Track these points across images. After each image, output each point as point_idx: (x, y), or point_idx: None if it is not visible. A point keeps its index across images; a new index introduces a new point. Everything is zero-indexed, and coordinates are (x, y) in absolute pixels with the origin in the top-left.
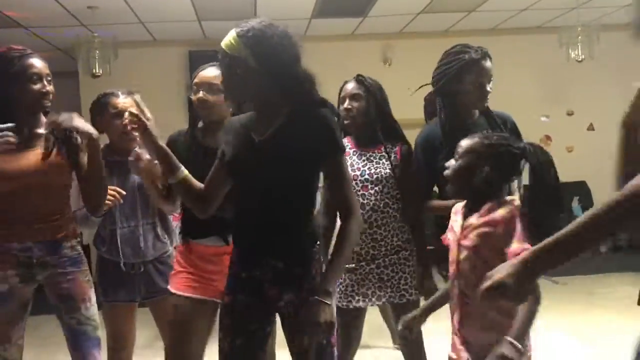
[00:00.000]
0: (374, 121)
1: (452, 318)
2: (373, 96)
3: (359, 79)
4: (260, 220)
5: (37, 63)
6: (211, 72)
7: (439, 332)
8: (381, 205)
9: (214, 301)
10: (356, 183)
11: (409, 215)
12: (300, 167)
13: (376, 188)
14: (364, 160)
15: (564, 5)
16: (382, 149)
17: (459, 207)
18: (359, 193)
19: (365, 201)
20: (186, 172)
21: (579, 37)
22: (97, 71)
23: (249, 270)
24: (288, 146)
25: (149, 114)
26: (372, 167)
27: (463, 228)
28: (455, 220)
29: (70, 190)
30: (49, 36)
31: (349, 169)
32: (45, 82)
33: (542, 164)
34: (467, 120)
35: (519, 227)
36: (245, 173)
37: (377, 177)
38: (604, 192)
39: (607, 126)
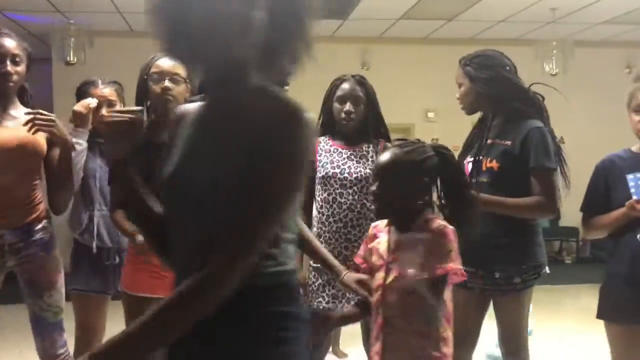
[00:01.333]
0: (368, 123)
1: (370, 349)
2: (371, 99)
3: (360, 81)
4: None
5: (5, 42)
6: (170, 62)
7: None
8: (358, 205)
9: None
10: (335, 181)
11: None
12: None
13: (354, 188)
14: (344, 159)
15: (541, 19)
16: (365, 147)
17: (380, 226)
18: (337, 191)
19: (343, 200)
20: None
21: (554, 51)
22: (71, 59)
23: None
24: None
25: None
26: (352, 166)
27: (392, 248)
28: (379, 241)
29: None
30: (23, 21)
31: (330, 165)
32: (8, 62)
33: (449, 164)
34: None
35: (455, 241)
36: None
37: (357, 176)
38: (573, 205)
39: (577, 140)
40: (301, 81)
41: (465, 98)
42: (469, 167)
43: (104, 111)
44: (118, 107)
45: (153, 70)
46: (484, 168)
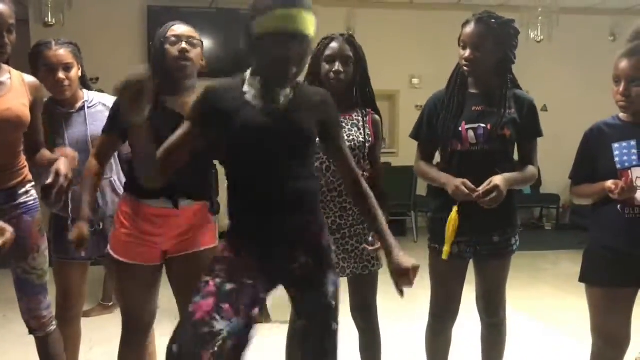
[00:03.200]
0: (356, 86)
1: None
2: (360, 60)
3: (350, 40)
4: (279, 194)
5: (3, 11)
6: (186, 27)
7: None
8: None
9: (157, 265)
10: None
11: (377, 185)
12: (313, 136)
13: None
14: (328, 154)
15: None
16: (354, 115)
17: None
18: (330, 160)
19: (336, 169)
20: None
21: (539, 18)
22: (49, 20)
23: (261, 238)
24: (304, 116)
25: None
26: (344, 135)
27: None
28: None
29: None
30: None
31: None
32: (5, 34)
33: None
34: (472, 89)
35: None
36: (263, 142)
37: (350, 145)
38: (554, 173)
39: (560, 108)
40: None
41: (480, 61)
42: (468, 133)
43: (60, 74)
44: (76, 70)
45: (170, 33)
46: (494, 135)
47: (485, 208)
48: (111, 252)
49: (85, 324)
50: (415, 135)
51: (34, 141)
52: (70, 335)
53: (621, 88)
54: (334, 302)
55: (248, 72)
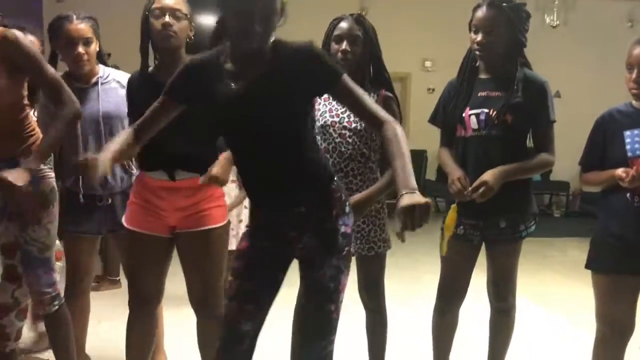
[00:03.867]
0: (366, 66)
1: None
2: (370, 39)
3: (359, 19)
4: (271, 170)
5: None
6: None
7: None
8: (359, 155)
9: (163, 237)
10: (334, 130)
11: (387, 166)
12: (299, 103)
13: (355, 137)
14: (343, 107)
15: None
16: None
17: None
18: (337, 140)
19: (343, 149)
20: None
21: (555, 2)
22: None
23: (270, 217)
24: (284, 85)
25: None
26: (351, 115)
27: None
28: None
29: (26, 111)
30: None
31: (328, 114)
32: None
33: None
34: (482, 75)
35: None
36: (242, 118)
37: (357, 126)
38: (564, 160)
39: (572, 94)
40: (299, 27)
41: (492, 45)
42: (471, 119)
43: (80, 49)
44: (95, 45)
45: (154, 6)
46: (495, 121)
47: (486, 199)
48: (124, 224)
49: (94, 298)
50: (432, 119)
51: (42, 88)
52: (79, 309)
53: (634, 75)
54: (332, 285)
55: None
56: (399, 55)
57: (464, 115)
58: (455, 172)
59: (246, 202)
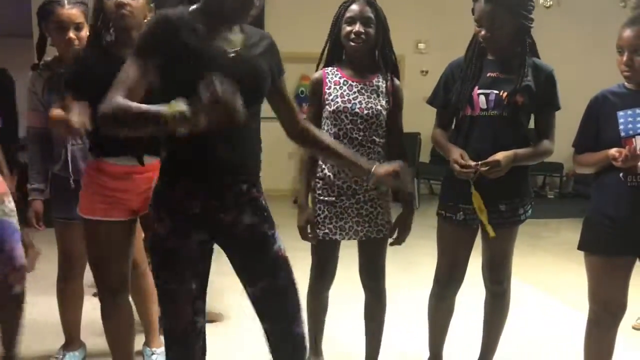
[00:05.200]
0: (379, 49)
1: None
2: (382, 22)
3: (371, 2)
4: (233, 140)
5: None
6: None
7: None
8: (369, 142)
9: (124, 221)
10: (345, 116)
11: (395, 151)
12: (266, 82)
13: (365, 124)
14: (354, 93)
15: None
16: (375, 81)
17: None
18: (348, 127)
19: (354, 135)
20: None
21: None
22: None
23: (205, 201)
24: (259, 59)
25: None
26: (362, 102)
27: None
28: None
29: None
30: None
31: (340, 99)
32: None
33: None
34: (490, 56)
35: None
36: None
37: (368, 113)
38: (558, 141)
39: (566, 75)
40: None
41: (497, 37)
42: (480, 99)
43: (71, 34)
44: (85, 30)
45: None
46: (505, 102)
47: (492, 178)
48: (80, 213)
49: (89, 282)
50: (431, 100)
51: None
52: (72, 295)
53: (624, 58)
54: (286, 257)
55: (193, 7)
56: (392, 37)
57: (472, 94)
58: (454, 151)
59: None
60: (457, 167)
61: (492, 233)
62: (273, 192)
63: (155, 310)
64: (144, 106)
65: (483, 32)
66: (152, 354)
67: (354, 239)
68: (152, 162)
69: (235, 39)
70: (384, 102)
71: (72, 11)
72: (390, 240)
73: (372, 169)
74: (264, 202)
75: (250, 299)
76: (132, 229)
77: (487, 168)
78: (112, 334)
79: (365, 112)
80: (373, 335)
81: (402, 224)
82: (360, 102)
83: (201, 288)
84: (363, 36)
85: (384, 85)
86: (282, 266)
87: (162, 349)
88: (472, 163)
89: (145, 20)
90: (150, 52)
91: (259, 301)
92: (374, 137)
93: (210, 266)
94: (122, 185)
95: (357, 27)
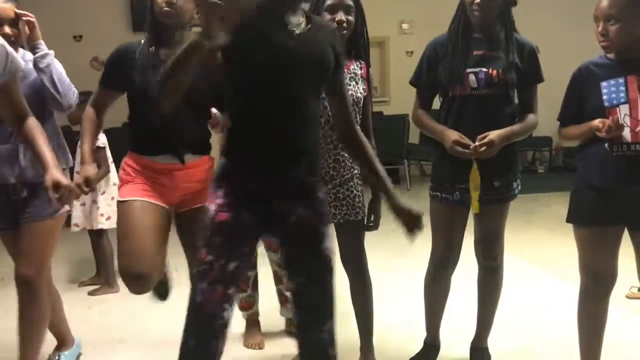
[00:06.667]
0: (360, 36)
1: None
2: (360, 9)
3: None
4: (290, 129)
5: None
6: None
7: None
8: None
9: (166, 208)
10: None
11: (365, 134)
12: (329, 65)
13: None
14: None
15: None
16: (352, 67)
17: None
18: (329, 114)
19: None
20: None
21: None
22: None
23: (262, 183)
24: (318, 48)
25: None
26: (350, 84)
27: None
28: None
29: None
30: None
31: None
32: None
33: None
34: (475, 34)
35: None
36: (285, 68)
37: (350, 100)
38: (546, 115)
39: (550, 49)
40: None
41: (492, 4)
42: (469, 78)
43: (6, 29)
44: (21, 24)
45: None
46: (495, 80)
47: (485, 157)
48: (120, 199)
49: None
50: (415, 81)
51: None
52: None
53: (599, 28)
54: (330, 257)
55: None
56: (376, 19)
57: (463, 73)
58: (449, 134)
59: (115, 178)
60: (459, 148)
61: (477, 210)
62: None
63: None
64: (173, 57)
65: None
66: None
67: (333, 222)
68: (193, 161)
69: (298, 21)
70: (361, 88)
71: (5, 5)
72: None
73: (400, 201)
74: (321, 195)
75: (289, 290)
76: (169, 219)
77: (483, 148)
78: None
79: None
80: (363, 315)
81: (372, 209)
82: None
83: (238, 276)
84: (345, 24)
85: (360, 72)
86: (323, 267)
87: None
88: (472, 144)
89: (192, 17)
90: (219, 43)
91: (295, 295)
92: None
93: (255, 262)
94: (164, 178)
95: (340, 15)
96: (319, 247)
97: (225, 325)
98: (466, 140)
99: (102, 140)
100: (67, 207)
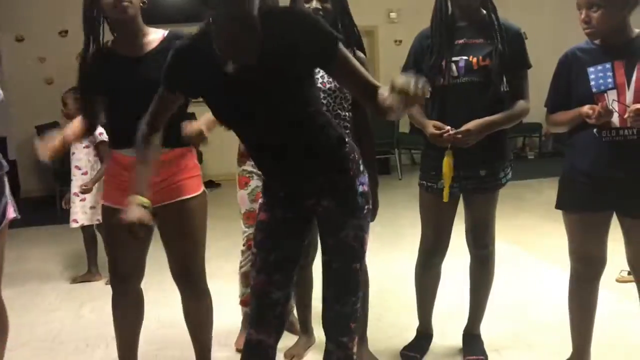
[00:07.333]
0: (338, 24)
1: None
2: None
3: None
4: (284, 152)
5: None
6: None
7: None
8: (333, 115)
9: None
10: None
11: (361, 125)
12: (300, 78)
13: (328, 99)
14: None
15: None
16: None
17: None
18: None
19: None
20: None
21: None
22: None
23: (288, 190)
24: (283, 61)
25: None
26: (325, 76)
27: None
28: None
29: None
30: None
31: None
32: None
33: None
34: (460, 22)
35: None
36: (243, 104)
37: (330, 87)
38: (535, 101)
39: (539, 35)
40: None
41: None
42: (452, 67)
43: None
44: None
45: None
46: (475, 67)
47: (465, 147)
48: (103, 201)
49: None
50: (404, 72)
51: None
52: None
53: (582, 15)
54: (355, 245)
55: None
56: (363, 8)
57: (442, 63)
58: (428, 125)
59: None
60: (435, 137)
61: (446, 198)
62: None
63: None
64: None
65: None
66: None
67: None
68: (166, 153)
69: (251, 47)
70: None
71: None
72: None
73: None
74: (344, 185)
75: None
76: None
77: (459, 136)
78: (119, 321)
79: (328, 86)
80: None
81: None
82: (322, 76)
83: (282, 265)
84: (321, 13)
85: None
86: (344, 252)
87: None
88: (447, 127)
89: (142, 5)
90: (171, 86)
91: (323, 272)
92: (338, 111)
93: (299, 251)
94: (130, 174)
95: (314, 4)
96: (340, 234)
97: (273, 304)
98: (442, 126)
99: (106, 135)
100: (9, 218)
